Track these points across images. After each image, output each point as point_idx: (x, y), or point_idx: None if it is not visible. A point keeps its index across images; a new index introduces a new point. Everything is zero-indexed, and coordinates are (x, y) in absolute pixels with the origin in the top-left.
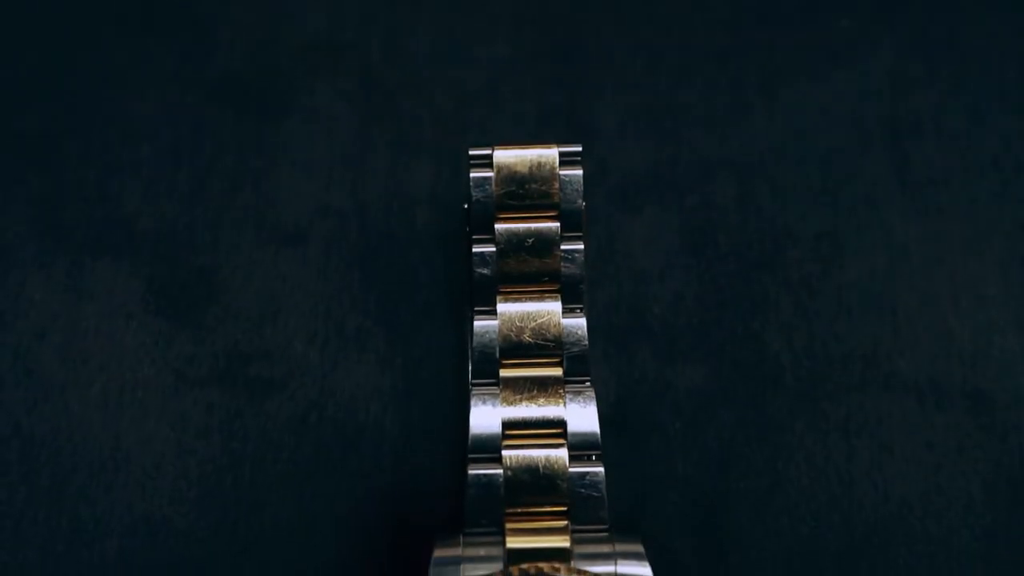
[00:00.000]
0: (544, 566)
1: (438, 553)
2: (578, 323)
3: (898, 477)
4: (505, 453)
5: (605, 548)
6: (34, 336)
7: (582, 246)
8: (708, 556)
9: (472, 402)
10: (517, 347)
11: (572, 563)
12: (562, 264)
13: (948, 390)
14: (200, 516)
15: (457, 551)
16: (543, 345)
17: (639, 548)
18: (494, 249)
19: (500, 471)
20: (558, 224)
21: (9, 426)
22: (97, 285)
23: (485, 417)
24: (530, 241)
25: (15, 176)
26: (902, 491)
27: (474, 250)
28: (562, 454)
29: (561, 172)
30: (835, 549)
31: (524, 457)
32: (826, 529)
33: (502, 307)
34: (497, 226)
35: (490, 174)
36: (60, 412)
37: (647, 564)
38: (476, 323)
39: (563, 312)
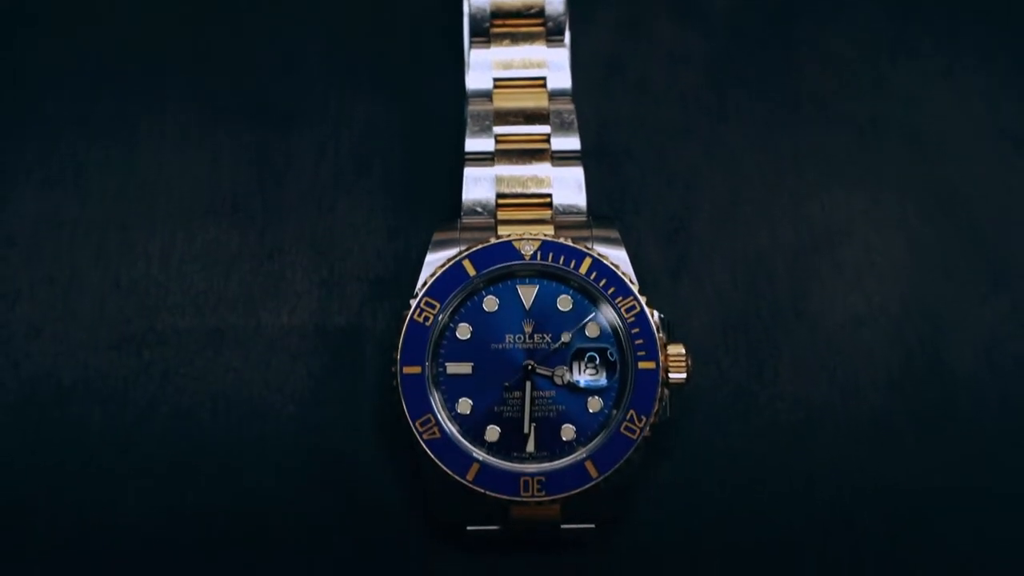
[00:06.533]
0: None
1: (437, 236)
2: (561, 52)
3: (842, 196)
4: (498, 167)
5: (584, 232)
6: (88, 89)
7: None
8: (674, 258)
9: (468, 123)
10: (506, 80)
11: None
12: (546, 2)
13: (885, 128)
14: (232, 225)
15: (455, 235)
16: (530, 78)
17: (615, 234)
18: None
19: (493, 170)
20: None
21: (68, 157)
22: (143, 47)
23: (479, 132)
24: None
25: None
26: (846, 209)
27: None
28: (545, 165)
29: None
30: (786, 254)
31: (513, 168)
32: (780, 238)
33: (495, 46)
34: None
35: None
36: (112, 145)
37: (623, 248)
38: (473, 51)
39: (547, 44)
